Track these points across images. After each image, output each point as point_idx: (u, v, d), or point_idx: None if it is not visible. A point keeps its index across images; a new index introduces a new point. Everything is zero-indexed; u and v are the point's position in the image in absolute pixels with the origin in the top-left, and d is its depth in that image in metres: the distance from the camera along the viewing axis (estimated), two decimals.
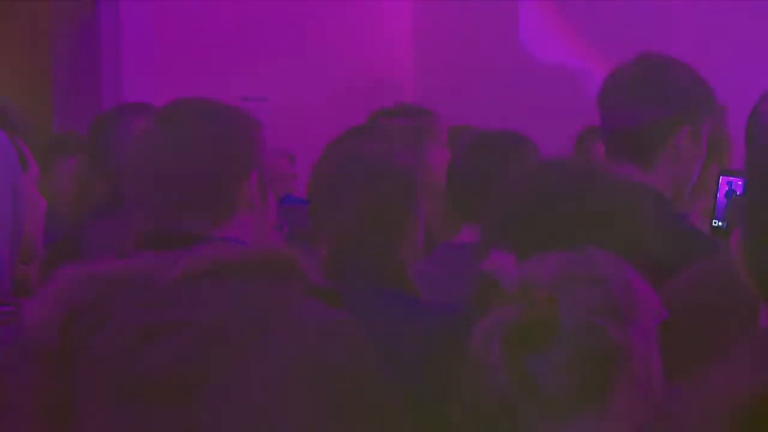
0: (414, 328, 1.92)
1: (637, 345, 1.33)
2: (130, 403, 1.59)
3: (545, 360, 1.31)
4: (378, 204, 2.03)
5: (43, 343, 1.63)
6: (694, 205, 2.52)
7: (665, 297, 1.47)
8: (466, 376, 1.35)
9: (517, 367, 1.30)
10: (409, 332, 1.90)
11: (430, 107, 3.29)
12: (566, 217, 1.63)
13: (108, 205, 2.94)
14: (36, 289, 1.76)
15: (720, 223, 2.26)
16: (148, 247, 1.65)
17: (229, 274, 1.59)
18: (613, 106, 2.37)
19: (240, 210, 1.70)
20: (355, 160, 2.08)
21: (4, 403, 1.65)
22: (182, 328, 1.56)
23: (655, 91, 2.33)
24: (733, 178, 2.22)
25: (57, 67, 5.23)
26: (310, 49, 5.31)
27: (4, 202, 1.86)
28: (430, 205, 2.41)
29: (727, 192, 2.25)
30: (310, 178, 2.22)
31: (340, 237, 2.02)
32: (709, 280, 1.81)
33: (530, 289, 1.31)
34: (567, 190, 1.66)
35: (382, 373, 1.65)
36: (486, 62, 5.31)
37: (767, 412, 0.93)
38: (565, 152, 2.39)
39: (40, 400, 1.65)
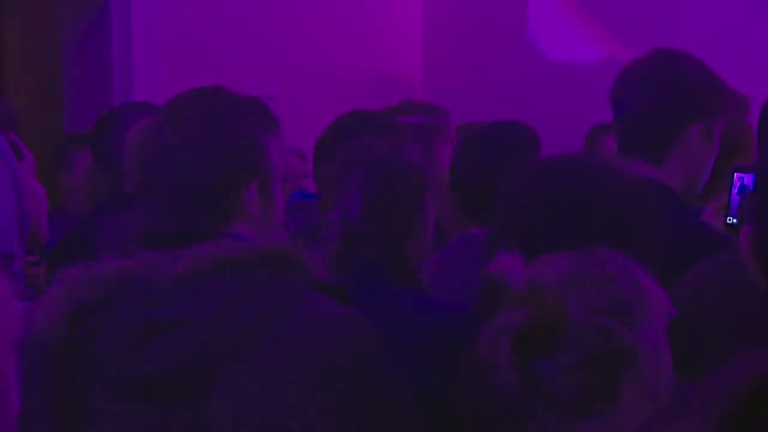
0: (422, 327, 1.91)
1: (645, 345, 1.32)
2: (135, 401, 1.58)
3: (553, 361, 1.30)
4: (388, 203, 2.02)
5: (50, 341, 1.63)
6: (710, 202, 2.50)
7: (675, 295, 1.46)
8: (474, 376, 1.34)
9: (525, 368, 1.29)
10: (416, 330, 1.89)
11: (439, 104, 3.28)
12: (574, 215, 1.61)
13: (113, 202, 2.95)
14: (44, 288, 1.76)
15: (734, 220, 2.24)
16: (152, 245, 1.64)
17: (233, 271, 1.58)
18: (626, 102, 2.36)
19: (238, 217, 1.68)
20: (365, 157, 2.07)
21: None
22: (186, 325, 1.56)
23: (667, 88, 2.32)
24: (746, 174, 2.21)
25: (68, 66, 5.24)
26: (321, 47, 5.30)
27: (8, 198, 1.87)
28: (440, 203, 2.40)
29: (739, 188, 2.24)
30: (317, 172, 2.21)
31: (349, 233, 2.01)
32: (719, 277, 1.79)
33: (538, 289, 1.30)
34: (575, 187, 1.65)
35: (389, 370, 1.64)
36: (495, 59, 5.30)
37: None
38: (575, 148, 2.37)
39: (47, 398, 1.65)
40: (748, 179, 2.21)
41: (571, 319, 1.29)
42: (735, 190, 2.26)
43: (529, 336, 1.28)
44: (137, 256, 1.63)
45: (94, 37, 5.06)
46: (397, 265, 2.01)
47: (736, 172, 2.25)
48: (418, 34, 5.63)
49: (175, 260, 1.58)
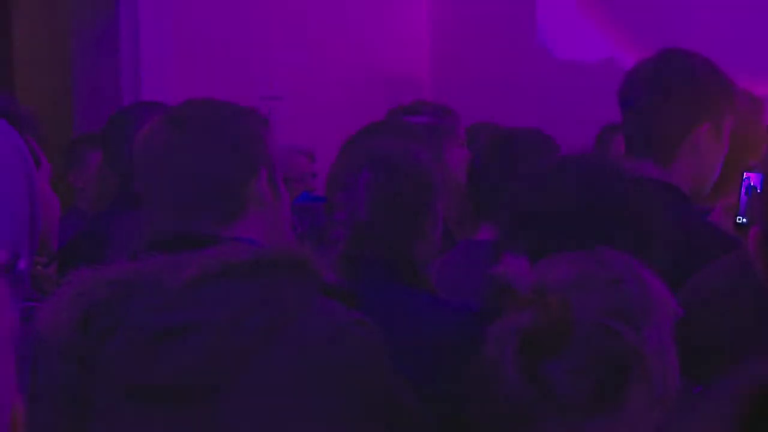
0: (430, 328, 1.90)
1: (651, 346, 1.32)
2: (144, 405, 1.58)
3: (559, 363, 1.29)
4: (395, 203, 2.02)
5: (58, 344, 1.63)
6: (720, 202, 2.49)
7: (682, 296, 1.46)
8: (480, 378, 1.34)
9: (531, 369, 1.29)
10: (422, 331, 1.89)
11: (447, 104, 3.27)
12: (578, 216, 1.61)
13: (123, 202, 2.95)
14: (54, 290, 1.76)
15: (743, 220, 2.24)
16: (160, 248, 1.64)
17: (242, 275, 1.58)
18: (634, 102, 2.35)
19: (250, 208, 1.70)
20: (373, 158, 2.06)
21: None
22: (195, 330, 1.56)
23: (675, 88, 2.31)
24: (753, 174, 2.20)
25: (77, 68, 5.25)
26: (328, 48, 5.30)
27: (21, 199, 1.87)
28: (448, 204, 2.40)
29: (747, 188, 2.23)
30: (328, 175, 2.21)
31: (357, 235, 2.01)
32: (727, 278, 1.79)
33: (544, 291, 1.30)
34: (580, 188, 1.64)
35: (395, 373, 1.63)
36: (504, 59, 5.29)
37: None
38: (583, 149, 2.37)
39: (54, 400, 1.65)
40: (754, 179, 2.20)
41: (576, 320, 1.29)
42: (743, 190, 2.25)
43: (535, 338, 1.28)
44: (146, 258, 1.63)
45: (103, 39, 5.07)
46: (405, 266, 2.01)
47: (746, 171, 2.25)
48: (426, 34, 5.62)
49: (185, 263, 1.58)
